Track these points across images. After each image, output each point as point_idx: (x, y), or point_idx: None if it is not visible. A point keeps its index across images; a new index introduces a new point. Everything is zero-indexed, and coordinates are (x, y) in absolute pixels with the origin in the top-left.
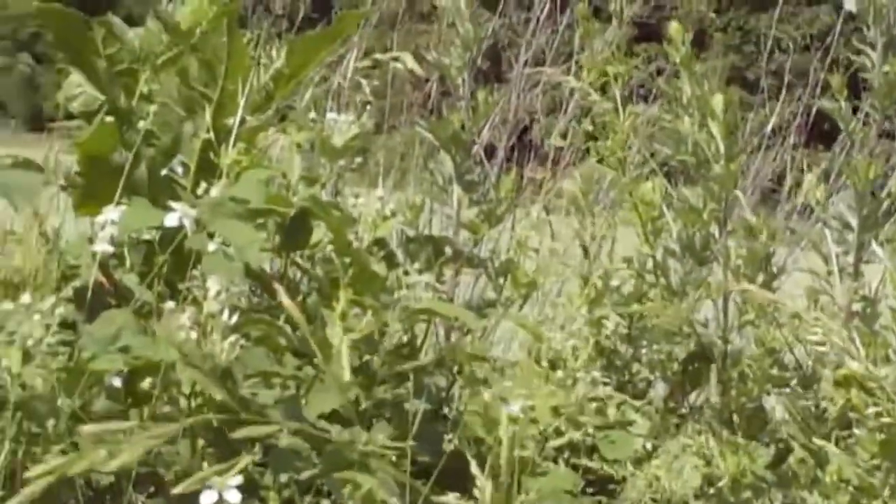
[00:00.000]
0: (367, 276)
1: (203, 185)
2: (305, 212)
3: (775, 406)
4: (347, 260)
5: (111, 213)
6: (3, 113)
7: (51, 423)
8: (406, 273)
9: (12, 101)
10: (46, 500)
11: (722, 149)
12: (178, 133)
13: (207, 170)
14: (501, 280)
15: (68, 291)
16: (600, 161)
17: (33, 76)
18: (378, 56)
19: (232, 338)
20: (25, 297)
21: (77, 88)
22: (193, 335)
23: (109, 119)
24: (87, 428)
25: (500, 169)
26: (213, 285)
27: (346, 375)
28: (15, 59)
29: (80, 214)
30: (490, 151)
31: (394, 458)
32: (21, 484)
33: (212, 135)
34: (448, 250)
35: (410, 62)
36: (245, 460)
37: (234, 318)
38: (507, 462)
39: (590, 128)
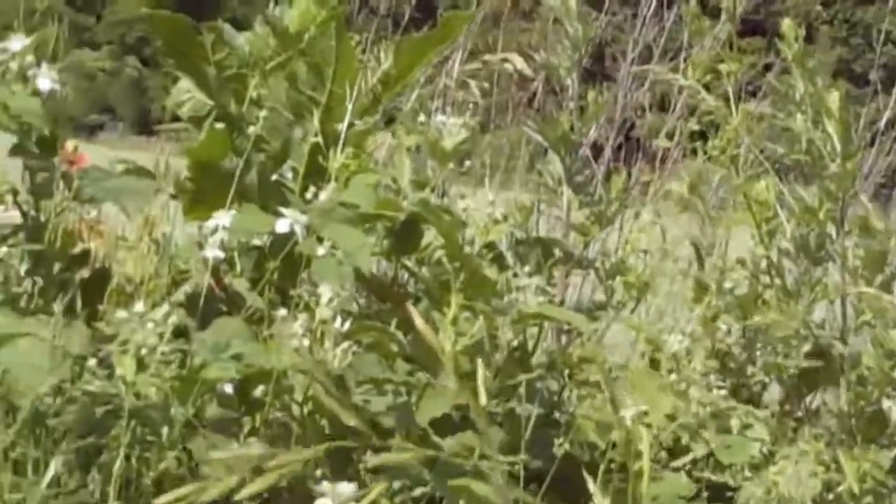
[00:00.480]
0: (478, 281)
1: (312, 189)
2: (415, 216)
3: (893, 408)
4: (458, 265)
5: (222, 218)
6: (112, 116)
7: (164, 430)
8: (515, 275)
9: (120, 104)
10: None
11: (838, 147)
12: (288, 138)
13: (316, 174)
14: (612, 282)
15: (180, 297)
16: (709, 160)
17: (141, 79)
18: (487, 57)
19: (344, 345)
20: (139, 306)
21: (186, 94)
22: (306, 342)
23: (220, 125)
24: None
25: (608, 168)
26: (325, 292)
27: (457, 381)
28: (123, 63)
29: (189, 220)
30: (596, 150)
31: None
32: (136, 491)
33: (320, 139)
34: (558, 252)
35: (520, 63)
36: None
37: (346, 325)
38: (621, 469)
39: (696, 127)
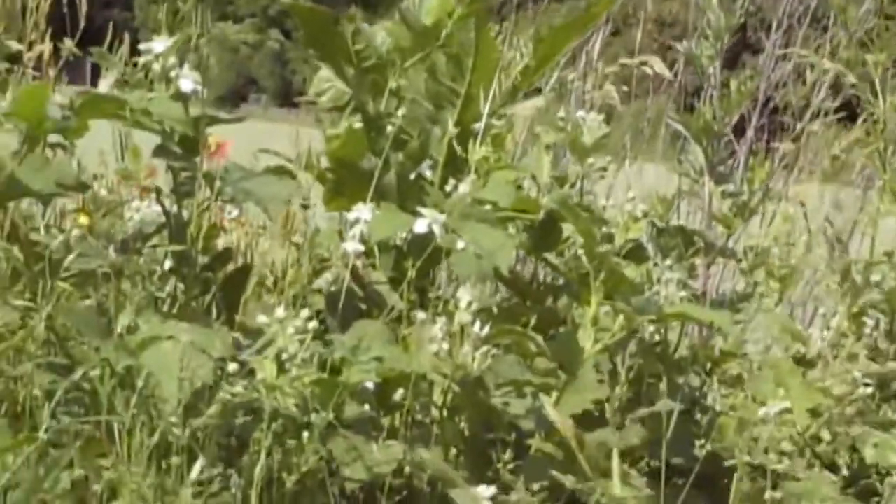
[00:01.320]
0: (617, 280)
1: (451, 181)
2: (554, 214)
3: None
4: (597, 263)
5: (362, 211)
6: (255, 88)
7: (305, 433)
8: (656, 265)
9: (262, 76)
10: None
11: None
12: (426, 137)
13: (456, 165)
14: (756, 273)
15: (320, 285)
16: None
17: (283, 52)
18: (625, 61)
19: (483, 348)
20: (280, 311)
21: (326, 83)
22: (445, 346)
23: (358, 124)
24: None
25: (749, 149)
26: (464, 296)
27: (598, 378)
28: (265, 36)
29: (329, 209)
30: (738, 131)
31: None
32: (278, 492)
33: (459, 130)
34: (700, 242)
35: (658, 67)
36: None
37: (486, 329)
38: (764, 465)
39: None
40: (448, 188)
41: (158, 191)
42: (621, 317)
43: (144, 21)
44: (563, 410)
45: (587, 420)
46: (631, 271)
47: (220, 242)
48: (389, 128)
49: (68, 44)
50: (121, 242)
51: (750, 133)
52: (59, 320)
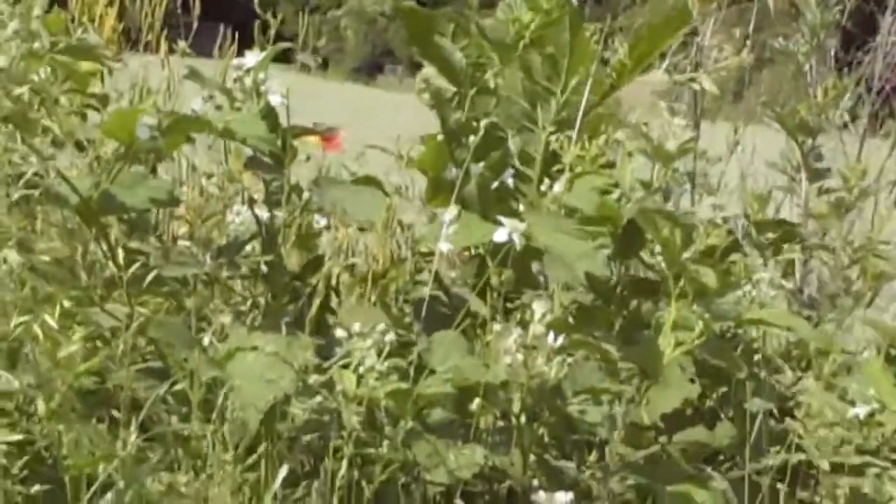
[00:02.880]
0: (697, 285)
1: (547, 181)
2: (637, 220)
3: None
4: (677, 271)
5: (449, 213)
6: (391, 59)
7: (385, 442)
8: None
9: (398, 47)
10: None
11: None
12: (504, 151)
13: (552, 164)
14: (852, 272)
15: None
16: None
17: None
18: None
19: (559, 358)
20: (356, 326)
21: (427, 81)
22: (520, 357)
23: (440, 138)
24: None
25: (862, 140)
26: (538, 308)
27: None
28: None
29: (431, 206)
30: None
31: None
32: (357, 499)
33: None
34: (796, 237)
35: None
36: None
37: (559, 340)
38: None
39: None
40: (543, 188)
41: (252, 200)
42: (700, 323)
43: None
44: (653, 410)
45: (678, 419)
46: (710, 278)
47: (323, 241)
48: (472, 138)
49: (182, 45)
50: (216, 250)
51: (863, 123)
52: (149, 332)
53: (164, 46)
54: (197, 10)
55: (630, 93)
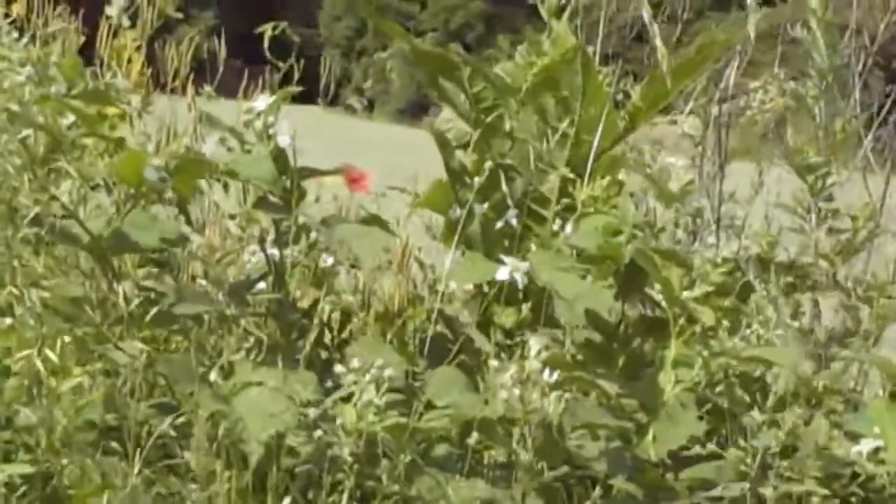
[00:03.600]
0: (695, 324)
1: (559, 221)
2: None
3: None
4: (676, 310)
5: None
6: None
7: (384, 476)
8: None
9: None
10: None
11: None
12: (506, 192)
13: (565, 205)
14: (861, 311)
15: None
16: None
17: None
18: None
19: (556, 393)
20: (355, 362)
21: (448, 123)
22: (516, 392)
23: (444, 179)
24: None
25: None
26: (534, 344)
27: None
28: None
29: (445, 245)
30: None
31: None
32: None
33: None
34: (807, 278)
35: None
36: None
37: (554, 375)
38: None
39: None
40: (556, 227)
41: (263, 240)
42: (699, 362)
43: (329, 38)
44: (659, 447)
45: (682, 456)
46: (709, 317)
47: (341, 279)
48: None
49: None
50: (229, 288)
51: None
52: (157, 367)
53: (190, 90)
54: (223, 54)
55: (660, 133)
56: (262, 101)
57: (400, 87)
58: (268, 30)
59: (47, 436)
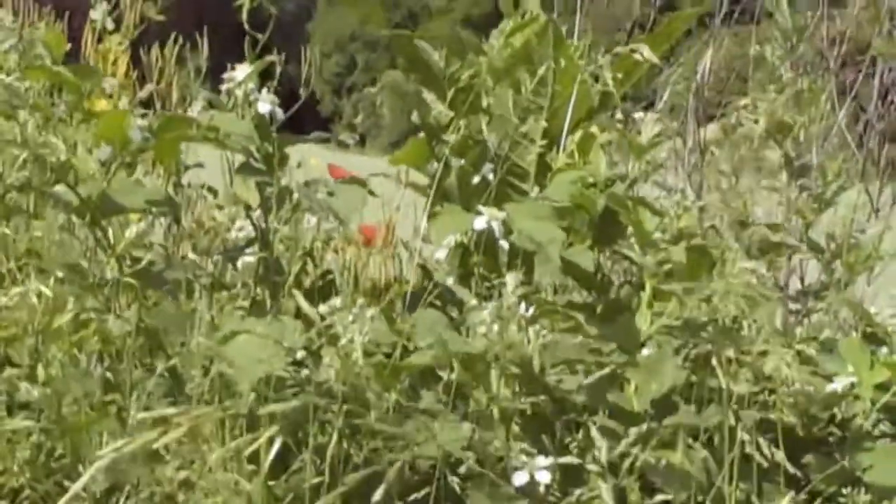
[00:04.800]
0: (671, 266)
1: (536, 189)
2: (612, 209)
3: None
4: (649, 250)
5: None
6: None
7: (372, 414)
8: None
9: None
10: (373, 481)
11: None
12: (483, 146)
13: (543, 175)
14: (835, 265)
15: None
16: None
17: None
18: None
19: (534, 328)
20: (337, 301)
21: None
22: (495, 328)
23: (421, 136)
24: None
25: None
26: (510, 280)
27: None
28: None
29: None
30: None
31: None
32: (345, 470)
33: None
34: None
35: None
36: None
37: (531, 310)
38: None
39: None
40: (533, 196)
41: (248, 206)
42: (673, 301)
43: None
44: (641, 398)
45: (666, 405)
46: (680, 254)
47: (328, 258)
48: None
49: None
50: (219, 255)
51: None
52: (147, 319)
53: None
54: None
55: None
56: (241, 71)
57: (391, 120)
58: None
59: (45, 369)
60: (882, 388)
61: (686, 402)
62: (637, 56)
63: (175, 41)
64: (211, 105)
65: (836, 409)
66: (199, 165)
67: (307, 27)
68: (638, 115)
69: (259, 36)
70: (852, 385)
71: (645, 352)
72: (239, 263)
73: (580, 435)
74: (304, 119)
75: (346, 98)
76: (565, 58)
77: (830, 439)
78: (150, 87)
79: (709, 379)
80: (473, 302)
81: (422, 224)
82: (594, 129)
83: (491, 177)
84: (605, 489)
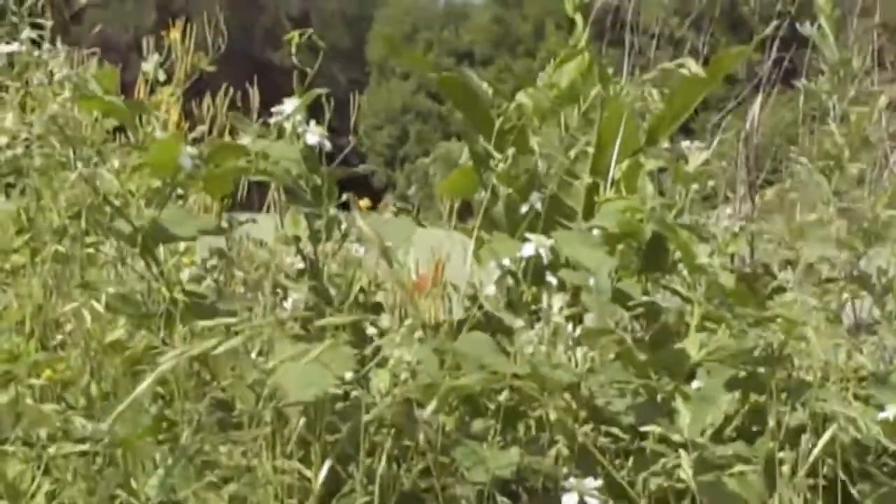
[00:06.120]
0: (718, 290)
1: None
2: (660, 236)
3: None
4: (697, 274)
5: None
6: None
7: (420, 437)
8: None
9: None
10: None
11: None
12: (531, 175)
13: (591, 213)
14: (886, 297)
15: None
16: None
17: None
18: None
19: (581, 350)
20: (384, 321)
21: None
22: (542, 348)
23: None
24: None
25: None
26: (556, 301)
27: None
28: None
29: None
30: None
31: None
32: (394, 492)
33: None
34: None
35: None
36: None
37: (577, 331)
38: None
39: None
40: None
41: (297, 238)
42: (722, 326)
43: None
44: (692, 427)
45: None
46: (728, 279)
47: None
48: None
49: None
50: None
51: None
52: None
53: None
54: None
55: None
56: (289, 104)
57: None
58: (294, 37)
59: (98, 385)
60: None
61: (737, 430)
62: (684, 71)
63: (226, 92)
64: (260, 137)
65: (889, 440)
66: (253, 221)
67: (360, 100)
68: (685, 143)
69: (308, 70)
70: None
71: (695, 382)
72: (289, 300)
73: (630, 462)
74: (357, 191)
75: (399, 169)
76: (611, 95)
77: (884, 469)
78: (201, 128)
79: (761, 408)
80: (520, 324)
81: (469, 257)
82: (638, 158)
83: (539, 206)
84: None
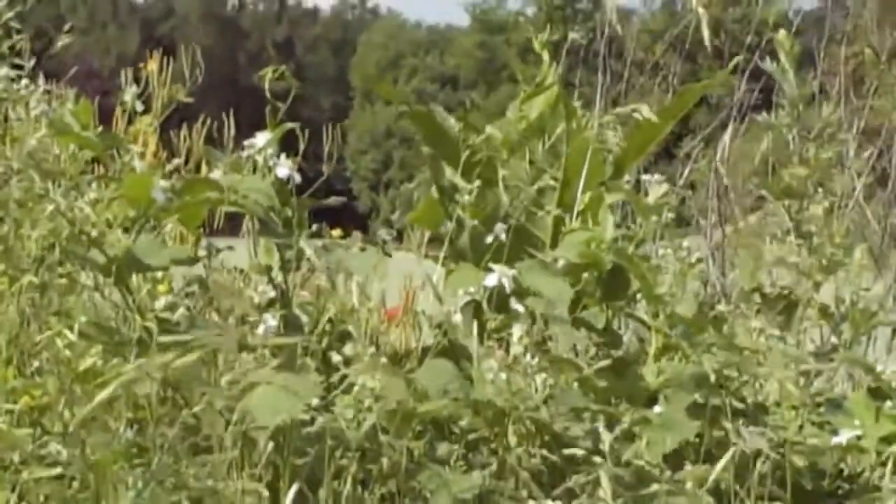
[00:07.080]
0: (676, 319)
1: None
2: (620, 266)
3: None
4: (654, 304)
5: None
6: None
7: (384, 461)
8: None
9: None
10: None
11: None
12: (495, 206)
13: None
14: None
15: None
16: None
17: None
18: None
19: (541, 377)
20: (348, 349)
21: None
22: (503, 376)
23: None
24: None
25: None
26: (516, 330)
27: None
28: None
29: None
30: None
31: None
32: None
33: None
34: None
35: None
36: None
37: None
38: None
39: None
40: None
41: (269, 268)
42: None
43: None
44: (654, 449)
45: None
46: (686, 307)
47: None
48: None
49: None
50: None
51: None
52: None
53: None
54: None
55: None
56: (261, 137)
57: None
58: (268, 72)
59: (69, 409)
60: (887, 440)
61: (695, 453)
62: (637, 115)
63: (203, 123)
64: (233, 169)
65: (843, 464)
66: (230, 248)
67: (341, 126)
68: (645, 177)
69: (280, 104)
70: (858, 438)
71: (657, 408)
72: (261, 328)
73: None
74: (341, 215)
75: (384, 194)
76: (576, 129)
77: (839, 492)
78: (176, 161)
79: (718, 432)
80: (482, 351)
81: (439, 285)
82: (602, 191)
83: (503, 236)
84: None
